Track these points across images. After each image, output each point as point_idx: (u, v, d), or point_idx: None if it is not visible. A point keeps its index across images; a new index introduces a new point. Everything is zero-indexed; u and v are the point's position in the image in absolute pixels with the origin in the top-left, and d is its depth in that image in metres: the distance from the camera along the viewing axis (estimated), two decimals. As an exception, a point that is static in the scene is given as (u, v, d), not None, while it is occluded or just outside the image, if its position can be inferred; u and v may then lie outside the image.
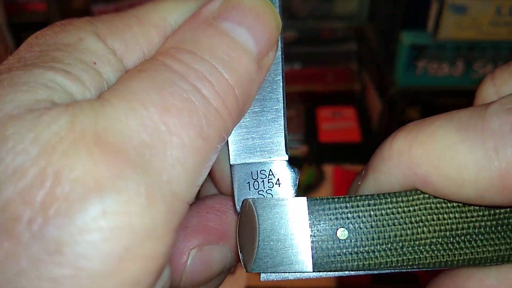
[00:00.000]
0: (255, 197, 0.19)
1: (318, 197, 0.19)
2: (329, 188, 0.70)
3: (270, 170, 0.20)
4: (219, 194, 0.23)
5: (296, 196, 0.20)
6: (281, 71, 0.19)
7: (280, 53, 0.19)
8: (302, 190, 0.69)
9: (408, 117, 0.67)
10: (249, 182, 0.20)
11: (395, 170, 0.17)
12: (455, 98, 0.66)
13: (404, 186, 0.17)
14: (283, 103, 0.19)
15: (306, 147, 0.76)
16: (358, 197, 0.18)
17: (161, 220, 0.15)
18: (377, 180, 0.18)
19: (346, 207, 0.18)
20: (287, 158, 0.20)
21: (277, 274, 0.19)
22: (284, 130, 0.20)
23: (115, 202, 0.14)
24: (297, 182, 0.20)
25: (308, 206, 0.18)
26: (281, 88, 0.19)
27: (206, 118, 0.16)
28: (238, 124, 0.19)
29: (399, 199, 0.18)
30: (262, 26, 0.17)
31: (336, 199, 0.18)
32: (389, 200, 0.18)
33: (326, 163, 0.73)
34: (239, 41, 0.17)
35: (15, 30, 0.85)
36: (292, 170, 0.20)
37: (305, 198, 0.19)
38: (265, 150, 0.19)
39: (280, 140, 0.19)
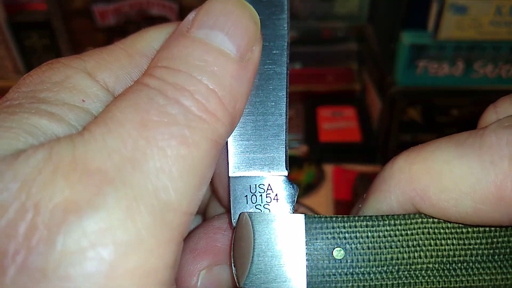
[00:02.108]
0: (252, 211, 0.19)
1: (316, 215, 0.18)
2: (329, 188, 0.70)
3: (269, 184, 0.19)
4: (224, 213, 0.23)
5: (293, 210, 0.19)
6: (285, 86, 0.19)
7: (285, 69, 0.19)
8: (302, 189, 0.69)
9: (408, 117, 0.67)
10: (246, 196, 0.19)
11: (395, 187, 0.17)
12: (456, 98, 0.67)
13: (403, 205, 0.17)
14: (286, 118, 0.19)
15: (306, 147, 0.76)
16: (357, 218, 0.18)
17: (149, 232, 0.15)
18: (378, 200, 0.18)
19: (344, 227, 0.18)
20: (286, 174, 0.19)
21: None
22: (285, 146, 0.19)
23: (94, 221, 0.14)
24: (295, 199, 0.20)
25: (305, 223, 0.18)
26: (285, 103, 0.19)
27: (188, 126, 0.16)
28: (239, 137, 0.19)
29: (398, 222, 0.18)
30: (236, 25, 0.18)
31: (334, 218, 0.18)
32: (387, 222, 0.18)
33: (326, 162, 0.73)
34: (214, 45, 0.17)
35: (15, 30, 0.85)
36: (291, 186, 0.19)
37: (303, 215, 0.18)
38: (265, 164, 0.19)
39: (280, 155, 0.19)
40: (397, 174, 0.17)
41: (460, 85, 0.66)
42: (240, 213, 0.19)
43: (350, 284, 0.18)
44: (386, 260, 0.18)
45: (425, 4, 0.63)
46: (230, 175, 0.19)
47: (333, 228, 0.18)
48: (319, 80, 0.83)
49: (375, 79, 0.75)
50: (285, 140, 0.19)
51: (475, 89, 0.66)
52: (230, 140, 0.19)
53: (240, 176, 0.19)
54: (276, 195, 0.19)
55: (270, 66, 0.19)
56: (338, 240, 0.18)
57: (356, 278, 0.18)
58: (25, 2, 0.86)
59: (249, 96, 0.19)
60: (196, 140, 0.16)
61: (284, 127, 0.19)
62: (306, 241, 0.18)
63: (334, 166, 0.73)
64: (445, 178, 0.16)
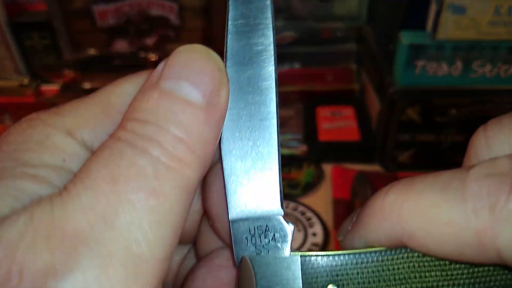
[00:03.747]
0: (253, 254, 0.21)
1: (310, 253, 0.20)
2: (328, 187, 0.70)
3: (267, 225, 0.21)
4: (223, 247, 0.24)
5: (291, 248, 0.21)
6: (276, 131, 0.21)
7: (275, 110, 0.21)
8: (302, 188, 0.70)
9: (407, 116, 0.67)
10: (246, 237, 0.21)
11: (385, 224, 0.18)
12: (454, 98, 0.67)
13: (390, 239, 0.19)
14: (278, 159, 0.21)
15: (305, 146, 0.77)
16: (347, 255, 0.19)
17: (124, 285, 0.16)
18: (367, 232, 0.20)
19: (336, 265, 0.19)
20: (282, 214, 0.21)
21: None
22: (280, 186, 0.21)
23: (70, 282, 0.15)
24: (292, 237, 0.21)
25: (301, 263, 0.20)
26: (277, 151, 0.21)
27: (157, 176, 0.17)
28: (236, 182, 0.21)
29: (385, 257, 0.19)
30: (201, 73, 0.19)
31: (325, 257, 0.20)
32: (375, 258, 0.19)
33: (326, 162, 0.74)
34: (180, 95, 0.18)
35: (16, 30, 0.85)
36: (287, 225, 0.21)
37: (298, 255, 0.20)
38: (262, 207, 0.21)
39: (276, 196, 0.21)
40: (387, 213, 0.18)
41: (459, 85, 0.66)
42: (242, 257, 0.20)
43: None
44: None
45: (424, 4, 0.63)
46: (229, 218, 0.21)
47: (326, 266, 0.20)
48: (318, 80, 0.83)
49: (374, 79, 0.75)
50: (279, 180, 0.21)
51: (474, 88, 0.67)
52: (228, 184, 0.21)
53: (240, 220, 0.21)
54: (274, 235, 0.21)
55: (260, 108, 0.21)
56: (331, 277, 0.19)
57: None
58: (25, 2, 0.86)
59: (242, 141, 0.20)
60: (166, 190, 0.17)
61: (278, 170, 0.21)
62: (302, 280, 0.20)
63: (333, 165, 0.73)
64: (432, 223, 0.17)
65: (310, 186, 0.70)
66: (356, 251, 0.19)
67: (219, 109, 0.19)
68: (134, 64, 0.75)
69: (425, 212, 0.17)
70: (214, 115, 0.19)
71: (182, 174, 0.17)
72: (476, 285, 0.19)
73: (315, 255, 0.20)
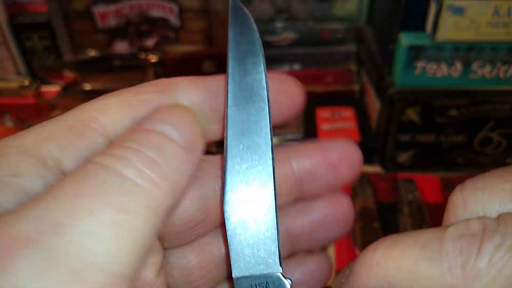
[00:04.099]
0: None
1: None
2: (328, 188, 0.71)
3: (267, 282, 0.23)
4: None
5: None
6: (274, 193, 0.23)
7: (271, 169, 0.23)
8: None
9: (406, 117, 0.67)
10: None
11: (374, 279, 0.21)
12: (454, 98, 0.67)
13: None
14: (276, 220, 0.23)
15: (305, 147, 0.77)
16: None
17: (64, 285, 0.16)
18: (358, 286, 0.22)
19: None
20: (281, 271, 0.23)
21: None
22: (278, 245, 0.23)
23: (1, 282, 0.15)
24: None
25: None
26: (274, 208, 0.23)
27: (125, 193, 0.17)
28: (236, 238, 0.23)
29: None
30: (183, 122, 0.21)
31: None
32: None
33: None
34: (162, 132, 0.20)
35: (16, 31, 0.85)
36: (286, 280, 0.23)
37: None
38: (262, 264, 0.23)
39: (274, 255, 0.23)
40: (375, 269, 0.21)
41: (459, 86, 0.66)
42: None
43: None
44: None
45: (423, 5, 0.63)
46: (233, 276, 0.23)
47: None
48: (318, 81, 0.83)
49: (374, 80, 0.76)
50: (278, 240, 0.23)
51: (473, 89, 0.67)
52: (231, 245, 0.23)
53: (242, 277, 0.23)
54: None
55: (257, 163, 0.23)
56: None
57: None
58: (26, 3, 0.86)
59: (244, 204, 0.23)
60: (133, 207, 0.17)
61: (276, 230, 0.23)
62: None
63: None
64: (414, 278, 0.19)
65: (310, 187, 0.70)
66: None
67: (195, 154, 0.21)
68: (134, 65, 0.75)
69: (407, 269, 0.19)
70: (191, 156, 0.20)
71: (152, 195, 0.18)
72: None
73: None
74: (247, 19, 0.24)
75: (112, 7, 0.77)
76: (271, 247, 0.23)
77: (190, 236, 0.25)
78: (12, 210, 0.16)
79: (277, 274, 0.23)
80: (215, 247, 0.26)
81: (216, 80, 0.25)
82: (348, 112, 0.80)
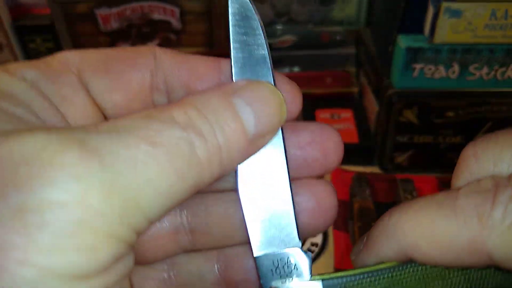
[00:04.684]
0: (278, 283, 0.23)
1: (328, 276, 0.23)
2: (328, 188, 0.71)
3: (288, 258, 0.23)
4: None
5: (311, 274, 0.23)
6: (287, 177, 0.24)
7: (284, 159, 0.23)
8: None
9: (405, 118, 0.68)
10: (271, 269, 0.23)
11: (392, 241, 0.21)
12: (451, 100, 0.67)
13: (398, 255, 0.22)
14: (291, 192, 0.23)
15: (305, 148, 0.77)
16: (361, 274, 0.22)
17: (115, 213, 0.17)
18: (378, 251, 0.22)
19: (353, 285, 0.22)
20: (300, 246, 0.23)
21: None
22: (295, 220, 0.23)
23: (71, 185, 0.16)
24: (311, 263, 0.24)
25: (322, 285, 0.23)
26: (289, 184, 0.23)
27: (189, 163, 0.18)
28: (253, 217, 0.23)
29: (395, 272, 0.22)
30: (266, 113, 0.21)
31: (343, 278, 0.22)
32: (386, 274, 0.22)
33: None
34: (241, 118, 0.20)
35: (20, 33, 0.86)
36: (306, 255, 0.24)
37: (320, 281, 0.23)
38: (281, 241, 0.23)
39: (293, 230, 0.23)
40: (392, 231, 0.21)
41: (456, 88, 0.67)
42: (270, 287, 0.23)
43: None
44: None
45: (421, 8, 0.64)
46: (254, 255, 0.23)
47: (343, 284, 0.22)
48: (318, 83, 0.83)
49: (372, 82, 0.76)
50: (295, 216, 0.23)
51: (471, 91, 0.67)
52: (249, 225, 0.23)
53: (263, 255, 0.23)
54: (295, 265, 0.23)
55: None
56: None
57: None
58: (29, 6, 0.87)
59: (259, 188, 0.23)
60: (187, 176, 0.19)
61: (292, 203, 0.23)
62: None
63: (332, 167, 0.73)
64: (431, 235, 0.20)
65: (309, 187, 0.71)
66: (369, 269, 0.22)
67: (256, 147, 0.22)
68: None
69: (424, 227, 0.20)
70: (251, 149, 0.21)
71: (203, 174, 0.19)
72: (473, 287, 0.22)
73: (334, 277, 0.23)
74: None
75: (114, 10, 0.77)
76: (288, 222, 0.23)
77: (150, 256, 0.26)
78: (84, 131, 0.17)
79: (296, 249, 0.23)
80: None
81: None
82: (347, 114, 0.81)
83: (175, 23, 0.79)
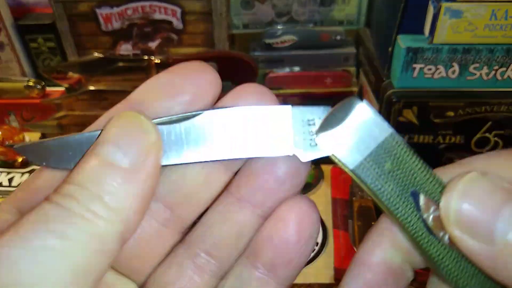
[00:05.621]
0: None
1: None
2: (328, 187, 0.71)
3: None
4: None
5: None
6: None
7: None
8: (302, 188, 0.70)
9: (404, 118, 0.68)
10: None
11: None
12: (451, 100, 0.67)
13: None
14: None
15: (305, 148, 0.77)
16: None
17: None
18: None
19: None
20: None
21: None
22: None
23: None
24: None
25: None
26: None
27: (64, 222, 0.19)
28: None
29: None
30: (128, 137, 0.21)
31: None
32: None
33: (325, 163, 0.74)
34: (104, 157, 0.21)
35: (21, 32, 0.86)
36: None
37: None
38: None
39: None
40: None
41: (456, 87, 0.67)
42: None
43: None
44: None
45: (422, 8, 0.64)
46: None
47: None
48: (318, 82, 0.84)
49: (372, 82, 0.76)
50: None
51: (470, 91, 0.67)
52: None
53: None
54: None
55: None
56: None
57: None
58: (31, 5, 0.87)
59: None
60: (71, 234, 0.19)
61: None
62: None
63: (332, 166, 0.74)
64: None
65: (309, 186, 0.71)
66: None
67: (145, 169, 0.21)
68: (137, 66, 0.76)
69: None
70: (138, 175, 0.21)
71: (94, 224, 0.19)
72: None
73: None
74: None
75: (115, 10, 0.78)
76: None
77: (146, 263, 0.26)
78: None
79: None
80: (187, 259, 0.26)
81: None
82: (347, 113, 0.81)
83: (176, 22, 0.79)
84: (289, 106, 0.24)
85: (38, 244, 0.18)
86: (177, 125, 0.23)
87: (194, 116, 0.24)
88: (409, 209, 0.23)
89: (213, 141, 0.24)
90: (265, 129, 0.24)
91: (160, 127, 0.23)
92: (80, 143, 0.22)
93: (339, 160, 0.24)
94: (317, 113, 0.24)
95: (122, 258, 0.25)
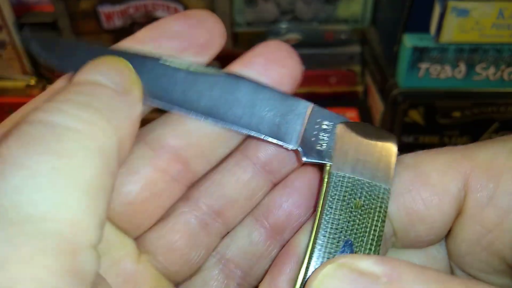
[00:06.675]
0: None
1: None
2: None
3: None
4: None
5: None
6: None
7: None
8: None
9: (410, 119, 0.68)
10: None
11: None
12: (458, 100, 0.67)
13: None
14: None
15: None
16: None
17: None
18: None
19: None
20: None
21: None
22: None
23: None
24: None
25: None
26: None
27: (58, 139, 0.17)
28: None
29: None
30: (113, 70, 0.21)
31: None
32: None
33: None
34: (91, 80, 0.20)
35: (23, 31, 0.86)
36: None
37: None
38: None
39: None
40: None
41: (462, 87, 0.66)
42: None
43: None
44: None
45: (428, 7, 0.64)
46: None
47: None
48: (322, 82, 0.83)
49: (378, 81, 0.76)
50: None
51: (477, 91, 0.67)
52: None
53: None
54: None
55: None
56: None
57: None
58: (32, 3, 0.87)
59: None
60: (70, 151, 0.17)
61: None
62: None
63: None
64: None
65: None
66: None
67: (130, 96, 0.21)
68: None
69: None
70: (125, 97, 0.20)
71: (89, 135, 0.18)
72: None
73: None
74: None
75: (117, 8, 0.77)
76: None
77: (149, 218, 0.25)
78: None
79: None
80: (192, 214, 0.25)
81: None
82: (351, 113, 0.81)
83: (179, 21, 0.79)
84: (311, 105, 0.25)
85: (37, 168, 0.16)
86: (199, 76, 0.24)
87: (219, 74, 0.24)
88: (330, 248, 0.21)
89: (224, 105, 0.24)
90: (279, 115, 0.24)
91: (179, 72, 0.23)
92: (92, 51, 0.22)
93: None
94: (334, 120, 0.25)
95: (125, 212, 0.24)
